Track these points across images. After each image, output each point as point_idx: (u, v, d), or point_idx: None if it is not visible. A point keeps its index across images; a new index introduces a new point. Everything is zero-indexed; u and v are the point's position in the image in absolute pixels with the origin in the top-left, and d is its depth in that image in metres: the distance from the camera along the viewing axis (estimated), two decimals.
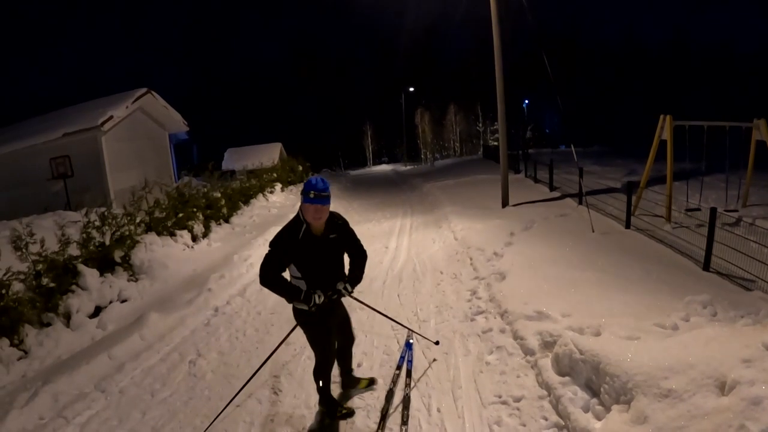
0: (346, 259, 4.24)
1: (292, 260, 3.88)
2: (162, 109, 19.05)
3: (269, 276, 3.80)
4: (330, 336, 4.24)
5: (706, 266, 7.12)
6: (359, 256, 4.28)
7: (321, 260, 3.95)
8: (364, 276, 4.31)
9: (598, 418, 3.79)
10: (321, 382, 4.23)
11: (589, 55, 54.53)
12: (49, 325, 6.52)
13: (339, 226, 4.07)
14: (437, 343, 5.43)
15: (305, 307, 3.89)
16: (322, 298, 3.87)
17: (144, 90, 17.71)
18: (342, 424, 4.23)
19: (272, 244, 3.85)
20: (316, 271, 3.93)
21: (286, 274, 3.96)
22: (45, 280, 6.81)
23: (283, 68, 75.61)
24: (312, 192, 3.76)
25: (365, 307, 5.22)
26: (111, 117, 15.45)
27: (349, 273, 4.24)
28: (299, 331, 4.25)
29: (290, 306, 4.10)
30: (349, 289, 4.15)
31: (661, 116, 10.38)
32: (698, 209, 9.98)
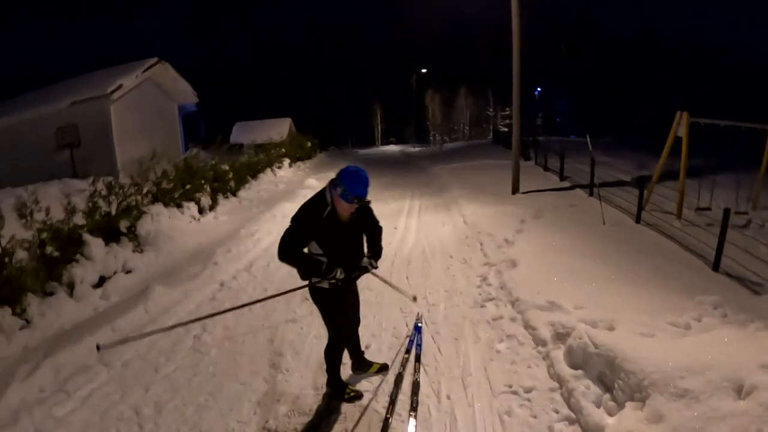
0: None
1: (314, 238, 3.77)
2: (172, 80, 18.84)
3: (290, 251, 3.71)
4: (345, 315, 4.15)
5: (716, 266, 7.01)
6: (376, 230, 4.22)
7: (343, 239, 3.87)
8: None
9: (610, 413, 3.72)
10: (332, 362, 4.15)
11: (604, 45, 53.83)
12: (52, 294, 6.39)
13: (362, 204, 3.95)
14: (415, 299, 5.23)
15: (325, 285, 3.81)
16: (343, 274, 3.77)
17: (155, 60, 17.51)
18: (350, 406, 4.13)
19: (294, 219, 3.74)
20: (338, 249, 3.82)
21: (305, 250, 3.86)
22: (49, 249, 6.68)
23: (296, 43, 74.88)
24: (356, 199, 3.71)
25: (372, 288, 5.08)
26: (120, 86, 15.33)
27: (369, 248, 4.18)
28: (307, 308, 4.16)
29: (298, 282, 4.01)
30: (374, 264, 4.09)
31: (678, 112, 10.24)
32: (709, 209, 9.94)
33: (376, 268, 4.11)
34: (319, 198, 3.80)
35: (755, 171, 10.70)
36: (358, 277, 4.14)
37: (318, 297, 3.99)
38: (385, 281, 5.03)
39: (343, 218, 3.80)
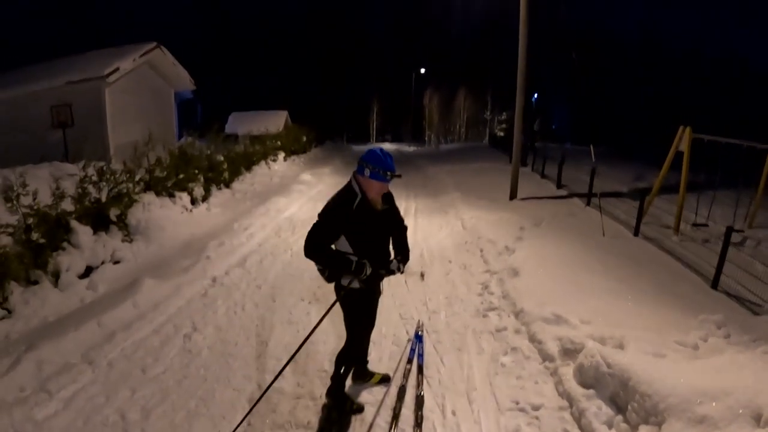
0: None
1: (344, 232, 3.61)
2: (170, 66, 18.47)
3: (318, 247, 3.55)
4: (371, 318, 3.99)
5: (715, 284, 6.85)
6: (402, 230, 4.09)
7: (374, 233, 3.72)
8: None
9: None
10: (344, 369, 3.95)
11: (605, 54, 53.66)
12: (36, 283, 6.11)
13: (388, 196, 3.84)
14: (423, 275, 4.99)
15: (356, 285, 3.67)
16: (371, 270, 3.62)
17: (153, 44, 17.15)
18: (350, 420, 3.91)
19: (322, 213, 3.60)
20: (368, 245, 3.68)
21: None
22: (35, 235, 6.39)
23: (295, 34, 73.96)
24: (389, 173, 3.57)
25: None
26: (117, 68, 14.99)
27: (397, 250, 4.04)
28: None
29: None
30: (402, 268, 3.94)
31: (681, 128, 10.12)
32: (706, 225, 9.85)
33: (402, 272, 3.99)
34: (346, 190, 3.67)
35: (753, 189, 10.61)
36: (385, 276, 3.95)
37: (347, 298, 3.78)
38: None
39: (374, 204, 3.67)
